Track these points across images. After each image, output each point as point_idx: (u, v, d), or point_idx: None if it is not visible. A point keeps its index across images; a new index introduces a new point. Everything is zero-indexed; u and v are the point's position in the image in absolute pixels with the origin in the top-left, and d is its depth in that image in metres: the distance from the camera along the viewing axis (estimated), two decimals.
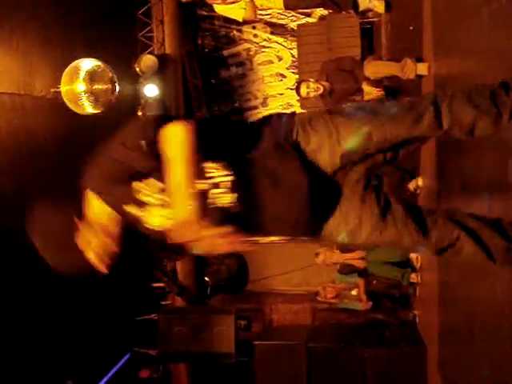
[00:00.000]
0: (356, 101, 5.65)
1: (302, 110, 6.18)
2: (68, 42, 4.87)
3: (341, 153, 1.78)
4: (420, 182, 5.90)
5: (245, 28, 7.08)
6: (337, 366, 5.56)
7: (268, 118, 1.87)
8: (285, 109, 7.07)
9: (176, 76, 6.32)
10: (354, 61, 5.98)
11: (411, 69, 5.20)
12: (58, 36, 4.78)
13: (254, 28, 7.10)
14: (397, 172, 5.81)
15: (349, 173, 1.86)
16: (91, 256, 1.70)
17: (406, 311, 6.16)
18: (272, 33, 7.08)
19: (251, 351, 5.80)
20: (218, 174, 1.70)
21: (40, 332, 4.28)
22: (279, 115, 1.87)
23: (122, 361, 5.76)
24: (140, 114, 5.88)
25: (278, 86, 7.22)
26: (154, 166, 1.64)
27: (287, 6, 6.21)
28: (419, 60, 5.24)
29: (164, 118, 1.66)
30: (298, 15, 6.90)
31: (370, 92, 5.54)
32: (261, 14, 6.68)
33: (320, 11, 6.75)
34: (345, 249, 6.27)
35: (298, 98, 6.12)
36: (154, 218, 1.74)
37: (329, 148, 1.77)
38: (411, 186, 5.96)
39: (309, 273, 6.81)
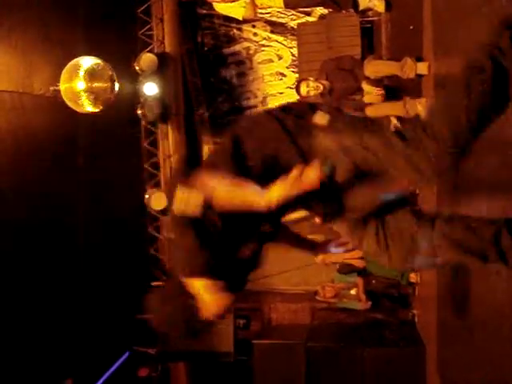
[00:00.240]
0: (356, 100, 5.65)
1: None
2: (68, 40, 4.86)
3: None
4: None
5: (245, 27, 7.07)
6: (336, 365, 5.55)
7: None
8: None
9: (176, 74, 6.31)
10: (353, 60, 5.97)
11: (411, 68, 5.19)
12: (58, 34, 4.78)
13: (253, 27, 7.08)
14: None
15: None
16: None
17: (405, 311, 6.15)
18: (272, 31, 7.07)
19: (250, 350, 5.80)
20: None
21: (39, 330, 4.28)
22: None
23: (121, 359, 5.75)
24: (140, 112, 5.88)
25: (277, 84, 7.21)
26: None
27: (287, 5, 6.22)
28: (419, 59, 5.23)
29: None
30: (298, 14, 6.89)
31: (370, 91, 5.53)
32: (261, 13, 6.68)
33: (320, 10, 6.75)
34: None
35: (298, 96, 6.11)
36: None
37: None
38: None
39: (308, 272, 6.78)
